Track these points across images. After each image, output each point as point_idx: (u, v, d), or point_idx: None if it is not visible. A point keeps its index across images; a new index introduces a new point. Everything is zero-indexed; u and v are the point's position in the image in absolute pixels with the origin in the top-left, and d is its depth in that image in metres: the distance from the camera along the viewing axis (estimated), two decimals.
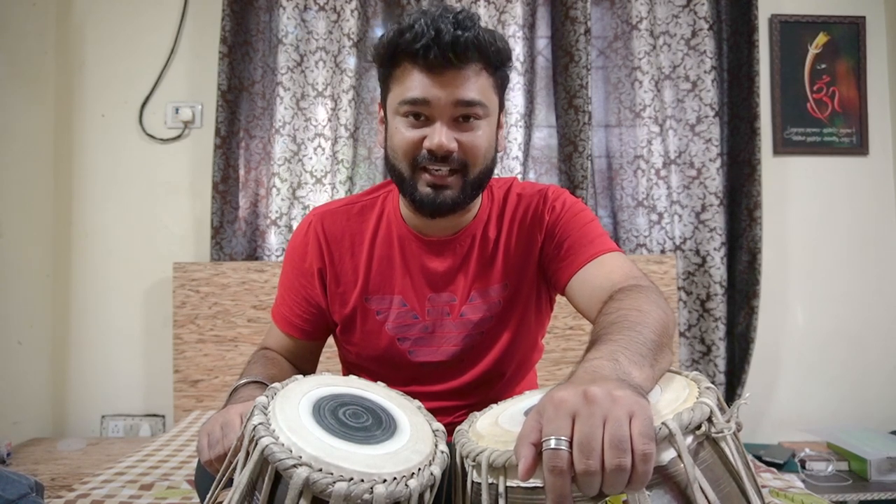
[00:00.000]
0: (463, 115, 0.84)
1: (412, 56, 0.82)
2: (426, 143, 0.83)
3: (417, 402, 0.77)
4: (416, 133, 0.84)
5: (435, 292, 0.95)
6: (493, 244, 0.96)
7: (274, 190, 2.04)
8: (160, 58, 2.13)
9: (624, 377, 0.54)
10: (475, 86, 0.83)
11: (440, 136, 0.82)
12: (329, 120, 2.07)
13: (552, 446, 0.47)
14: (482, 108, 0.84)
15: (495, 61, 0.85)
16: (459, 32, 0.80)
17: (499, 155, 0.97)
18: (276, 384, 0.69)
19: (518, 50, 2.07)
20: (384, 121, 0.91)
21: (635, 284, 0.78)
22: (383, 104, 0.91)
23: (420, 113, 0.84)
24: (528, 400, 0.74)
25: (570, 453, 0.47)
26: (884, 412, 2.16)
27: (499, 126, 0.92)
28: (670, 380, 0.64)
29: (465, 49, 0.80)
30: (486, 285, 0.96)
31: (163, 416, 2.08)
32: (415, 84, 0.83)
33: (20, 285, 1.93)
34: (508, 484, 0.56)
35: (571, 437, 0.47)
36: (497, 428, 0.65)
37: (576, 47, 2.05)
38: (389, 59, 0.85)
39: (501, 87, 0.90)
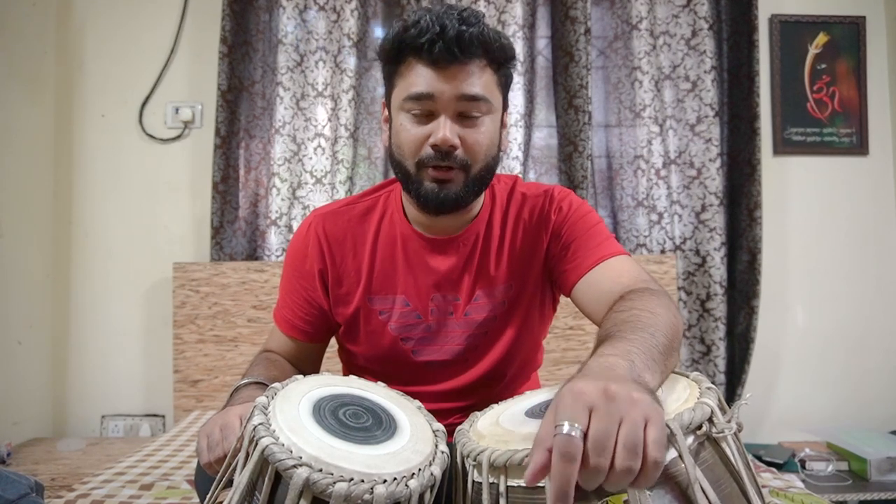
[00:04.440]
0: (466, 111, 0.84)
1: (417, 51, 0.82)
2: (430, 140, 0.83)
3: (417, 403, 0.77)
4: (420, 130, 0.84)
5: (438, 292, 0.95)
6: (497, 244, 0.96)
7: (274, 190, 2.04)
8: (160, 58, 2.13)
9: (638, 380, 0.54)
10: (479, 81, 0.84)
11: (444, 130, 0.82)
12: (329, 120, 2.07)
13: (565, 431, 0.46)
14: (486, 104, 0.85)
15: (499, 58, 0.85)
16: (464, 28, 0.80)
17: (501, 154, 0.97)
18: (277, 384, 0.69)
19: (518, 50, 2.07)
20: (388, 118, 0.91)
21: (646, 287, 0.78)
22: (387, 101, 0.91)
23: (425, 108, 0.84)
24: (528, 400, 0.74)
25: (584, 445, 0.46)
26: (884, 412, 2.16)
27: (502, 125, 0.92)
28: (671, 380, 0.64)
29: (469, 44, 0.81)
30: (490, 285, 0.95)
31: (163, 416, 2.08)
32: (419, 79, 0.83)
33: (20, 285, 1.93)
34: (509, 483, 0.56)
35: (587, 431, 0.47)
36: (498, 428, 0.65)
37: (576, 47, 2.05)
38: (395, 55, 0.85)
39: (505, 85, 0.90)
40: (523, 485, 0.55)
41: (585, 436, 0.46)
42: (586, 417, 0.47)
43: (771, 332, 2.15)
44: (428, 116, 0.84)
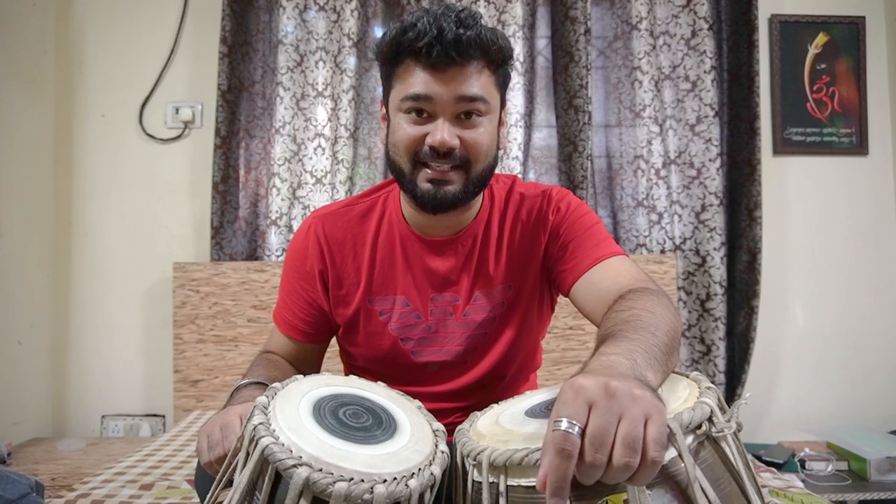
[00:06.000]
0: (465, 112, 0.84)
1: (415, 54, 0.82)
2: (428, 140, 0.83)
3: (417, 402, 0.77)
4: (417, 129, 0.84)
5: (438, 292, 0.95)
6: (495, 244, 0.96)
7: (274, 190, 2.04)
8: (160, 58, 2.13)
9: (641, 378, 0.54)
10: (477, 82, 0.83)
11: (442, 132, 0.82)
12: (329, 120, 2.07)
13: (563, 428, 0.46)
14: (484, 104, 0.85)
15: (497, 59, 0.85)
16: (462, 31, 0.80)
17: (500, 153, 0.97)
18: (277, 384, 0.69)
19: (518, 50, 2.07)
20: (386, 118, 0.91)
21: (646, 287, 0.78)
22: (385, 101, 0.91)
23: (422, 109, 0.84)
24: (528, 400, 0.74)
25: (582, 441, 0.47)
26: (884, 412, 2.16)
27: (501, 124, 0.92)
28: (672, 380, 0.65)
29: (467, 47, 0.81)
30: (489, 286, 0.95)
31: (163, 416, 2.08)
32: (417, 81, 0.83)
33: (20, 285, 1.93)
34: (509, 483, 0.56)
35: (585, 426, 0.47)
36: (498, 427, 0.65)
37: (576, 47, 2.05)
38: (392, 56, 0.85)
39: (503, 84, 0.90)
40: (523, 484, 0.55)
41: (584, 432, 0.47)
42: (585, 413, 0.47)
43: (771, 332, 2.15)
44: (426, 117, 0.84)
